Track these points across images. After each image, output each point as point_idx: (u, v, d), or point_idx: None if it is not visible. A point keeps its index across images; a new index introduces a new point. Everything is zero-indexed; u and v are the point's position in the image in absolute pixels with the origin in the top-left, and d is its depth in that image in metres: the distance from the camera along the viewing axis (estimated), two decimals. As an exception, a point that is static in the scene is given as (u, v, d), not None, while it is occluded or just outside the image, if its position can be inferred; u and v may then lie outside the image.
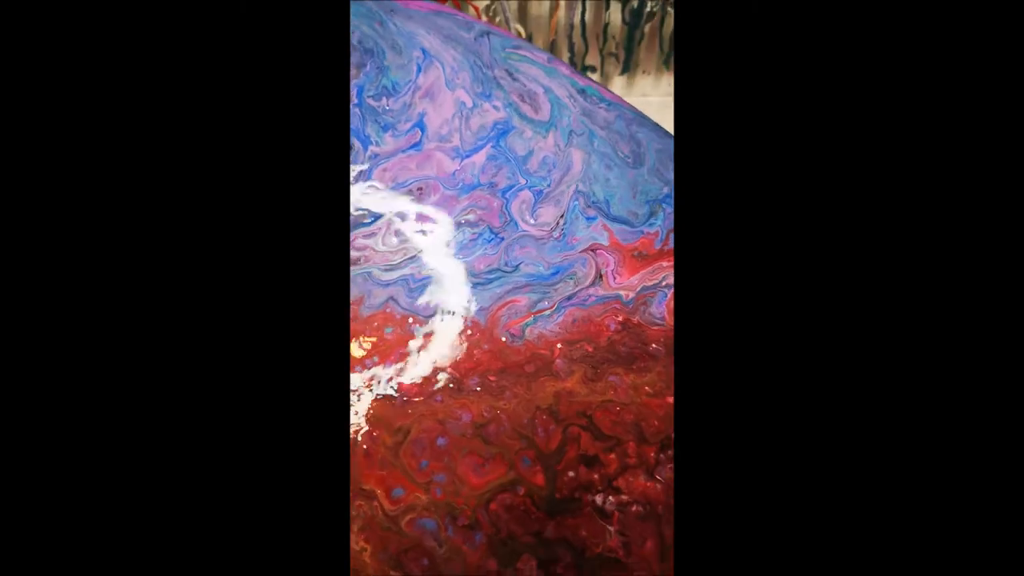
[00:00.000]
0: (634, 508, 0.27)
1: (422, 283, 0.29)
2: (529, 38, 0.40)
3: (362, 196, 0.29)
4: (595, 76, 0.43)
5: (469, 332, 0.28)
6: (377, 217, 0.29)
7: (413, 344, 0.28)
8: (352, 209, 0.29)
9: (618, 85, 0.43)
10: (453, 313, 0.28)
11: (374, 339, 0.28)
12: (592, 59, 0.42)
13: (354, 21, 0.32)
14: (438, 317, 0.28)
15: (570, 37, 0.40)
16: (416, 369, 0.28)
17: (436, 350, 0.28)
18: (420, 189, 0.30)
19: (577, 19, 0.40)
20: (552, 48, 0.42)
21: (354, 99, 0.31)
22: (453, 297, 0.28)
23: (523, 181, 0.30)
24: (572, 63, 0.42)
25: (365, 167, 0.30)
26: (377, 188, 0.30)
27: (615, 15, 0.40)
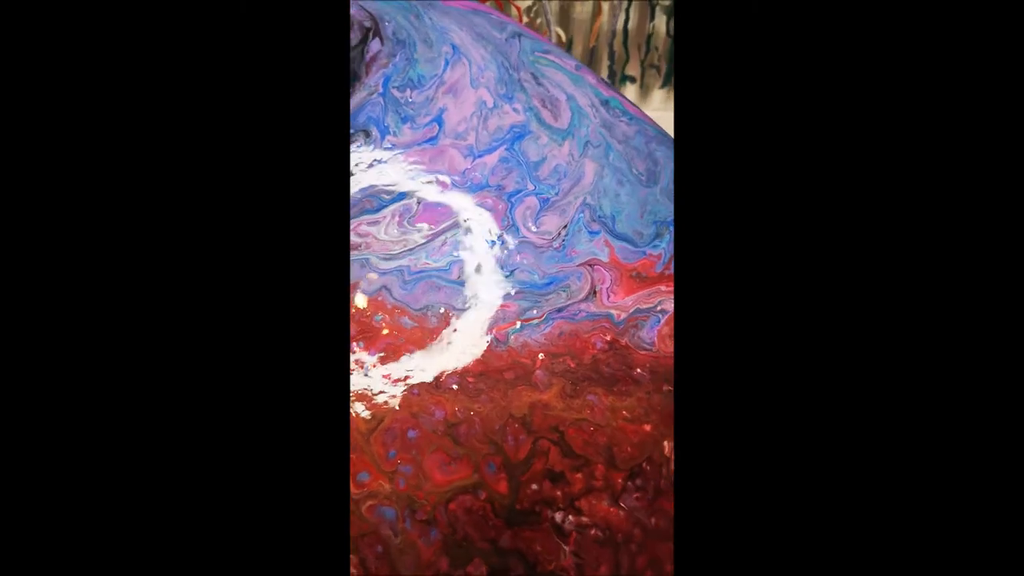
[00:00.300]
0: (593, 531, 0.27)
1: (417, 276, 0.29)
2: (569, 42, 0.40)
3: (371, 183, 0.30)
4: (634, 87, 0.42)
5: (455, 331, 0.28)
6: (383, 205, 0.30)
7: (400, 335, 0.28)
8: (358, 194, 0.30)
9: (657, 98, 0.42)
10: (442, 310, 0.28)
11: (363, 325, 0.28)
12: (632, 69, 0.41)
13: (390, 12, 0.32)
14: (429, 312, 0.28)
15: (611, 44, 0.40)
16: (399, 360, 0.28)
17: (421, 344, 0.28)
18: (428, 184, 0.30)
19: (620, 26, 0.39)
20: (592, 55, 0.41)
21: (379, 88, 0.31)
22: (445, 295, 0.29)
23: (531, 187, 0.30)
24: (611, 71, 0.41)
25: (379, 155, 0.30)
26: (387, 177, 0.30)
27: (660, 25, 0.39)
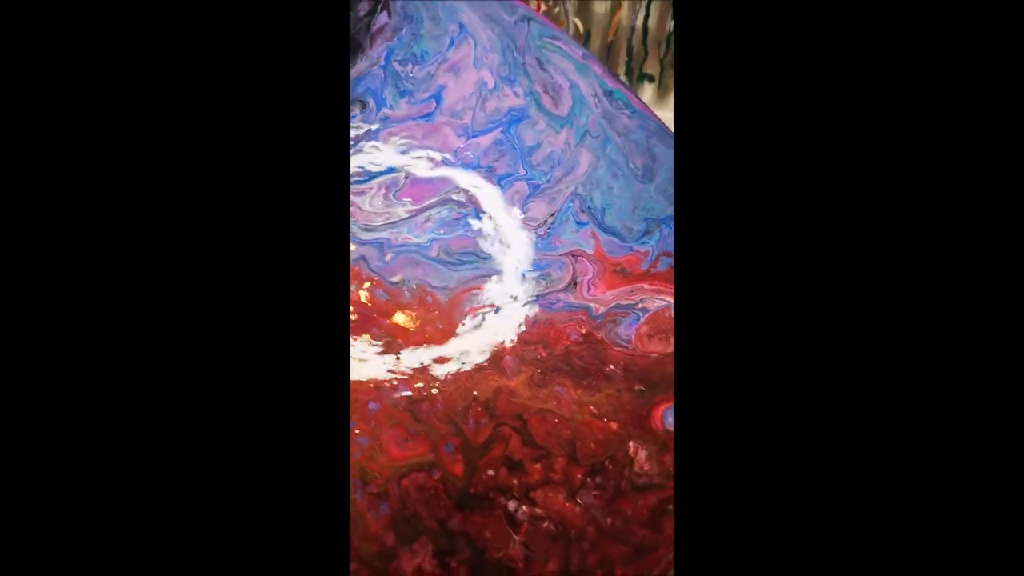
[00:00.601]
0: (545, 524, 0.26)
1: (397, 250, 0.29)
2: (587, 35, 0.39)
3: (361, 155, 0.30)
4: (652, 87, 0.42)
5: (428, 302, 0.28)
6: (371, 177, 0.30)
7: (373, 307, 0.28)
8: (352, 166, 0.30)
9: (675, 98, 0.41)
10: (415, 285, 0.28)
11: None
12: (651, 67, 0.41)
13: (403, -15, 0.32)
14: (404, 287, 0.28)
15: (630, 40, 0.39)
16: (368, 331, 0.28)
17: (392, 317, 0.28)
18: (418, 159, 0.30)
19: (639, 22, 0.38)
20: (609, 50, 0.40)
21: (381, 60, 0.31)
22: (422, 271, 0.28)
23: (523, 172, 0.30)
24: (628, 68, 0.40)
25: (373, 127, 0.30)
26: (379, 149, 0.30)
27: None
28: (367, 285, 0.28)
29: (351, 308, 0.28)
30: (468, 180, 0.30)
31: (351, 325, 0.28)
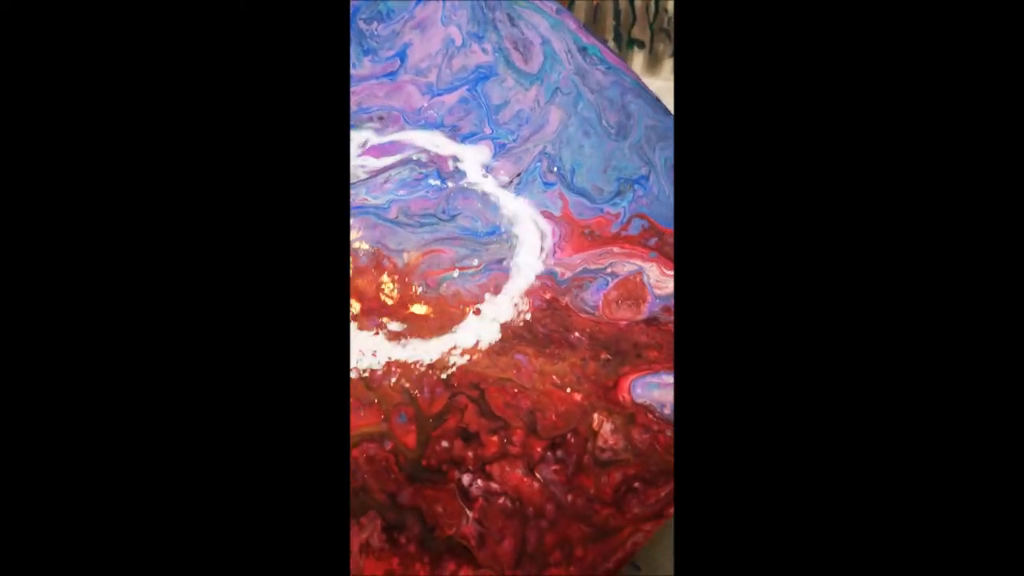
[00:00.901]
0: (501, 500, 0.25)
1: (354, 211, 0.27)
2: (572, -2, 0.37)
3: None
4: (642, 54, 0.40)
5: (385, 265, 0.27)
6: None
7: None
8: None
9: (667, 68, 0.39)
10: (369, 247, 0.27)
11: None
12: (640, 33, 0.39)
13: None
14: (360, 252, 0.27)
15: (616, 2, 0.37)
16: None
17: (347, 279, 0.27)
18: (381, 118, 0.29)
19: (626, -17, 0.36)
20: (596, 12, 0.39)
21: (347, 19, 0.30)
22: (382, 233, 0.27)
23: (488, 131, 0.28)
24: (617, 33, 0.38)
25: (335, 87, 0.29)
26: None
27: (670, -16, 0.36)
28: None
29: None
30: (430, 140, 0.28)
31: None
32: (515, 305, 0.27)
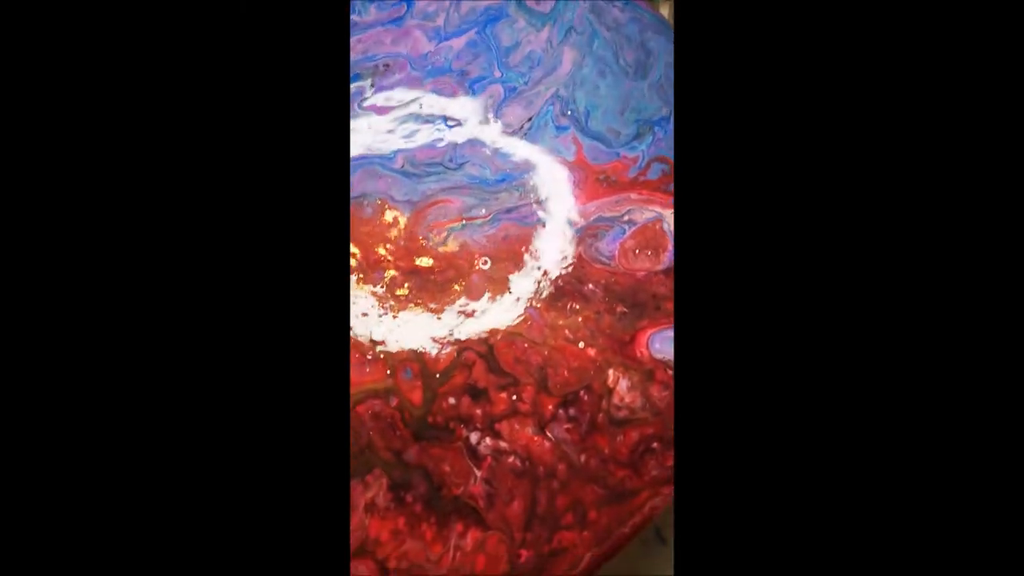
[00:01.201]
0: (511, 460, 0.24)
1: (357, 162, 0.26)
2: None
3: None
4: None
5: (388, 221, 0.26)
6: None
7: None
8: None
9: (662, 12, 0.36)
10: (377, 200, 0.26)
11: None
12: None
13: None
14: (365, 202, 0.26)
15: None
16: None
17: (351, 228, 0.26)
18: (387, 65, 0.27)
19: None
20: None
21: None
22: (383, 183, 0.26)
23: (498, 74, 0.27)
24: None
25: (340, 36, 0.28)
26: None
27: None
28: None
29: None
30: (436, 86, 0.27)
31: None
32: (527, 259, 0.25)
